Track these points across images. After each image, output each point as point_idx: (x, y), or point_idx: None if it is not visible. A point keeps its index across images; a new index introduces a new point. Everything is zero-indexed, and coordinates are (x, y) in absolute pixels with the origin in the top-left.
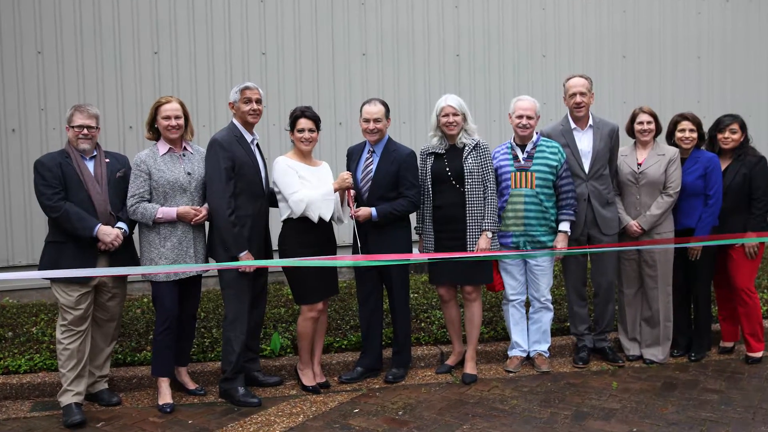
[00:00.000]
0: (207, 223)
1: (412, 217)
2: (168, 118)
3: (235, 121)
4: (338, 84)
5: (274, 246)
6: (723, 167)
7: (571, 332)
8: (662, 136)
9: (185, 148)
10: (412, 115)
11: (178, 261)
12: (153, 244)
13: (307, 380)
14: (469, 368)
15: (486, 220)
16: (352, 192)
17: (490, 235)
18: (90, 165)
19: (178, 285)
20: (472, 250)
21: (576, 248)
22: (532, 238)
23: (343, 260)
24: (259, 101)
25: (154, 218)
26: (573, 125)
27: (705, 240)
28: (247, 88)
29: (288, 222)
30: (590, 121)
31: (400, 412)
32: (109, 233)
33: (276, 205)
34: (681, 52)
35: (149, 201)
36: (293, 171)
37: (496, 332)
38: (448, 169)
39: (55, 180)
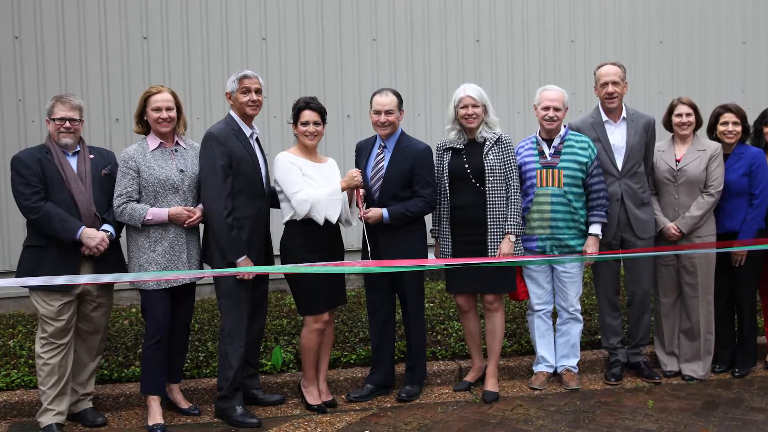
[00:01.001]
0: (201, 226)
1: (428, 218)
2: (158, 109)
3: (233, 113)
4: (346, 72)
5: (276, 251)
6: None
7: (603, 346)
8: (703, 130)
9: (177, 143)
10: (428, 106)
11: (170, 267)
12: (142, 249)
13: (312, 399)
14: (491, 385)
15: (509, 222)
16: (362, 191)
17: (513, 238)
18: (72, 161)
19: (169, 294)
20: (494, 255)
21: (608, 253)
22: (559, 242)
23: (352, 266)
24: (258, 91)
25: (144, 220)
26: (605, 118)
27: (750, 244)
28: (245, 76)
29: (291, 224)
30: (623, 113)
31: None
32: (94, 236)
33: (277, 206)
34: (724, 36)
35: (138, 201)
36: (296, 168)
37: (520, 346)
38: (467, 165)
39: (34, 178)
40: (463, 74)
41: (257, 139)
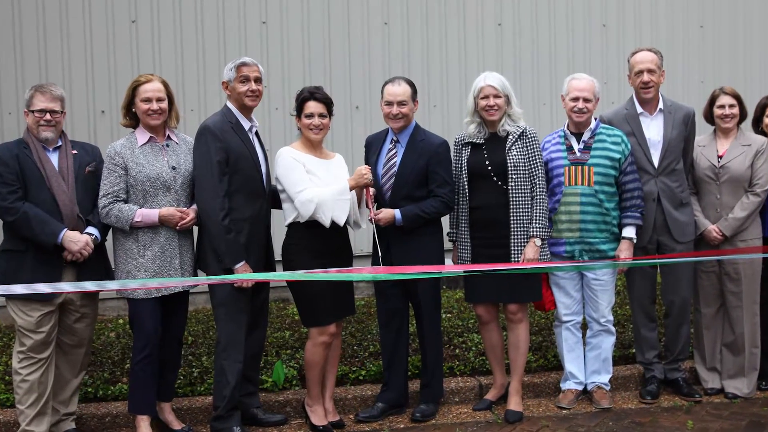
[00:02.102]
0: (196, 228)
1: (445, 220)
2: (148, 100)
3: (230, 105)
4: (354, 60)
5: (277, 256)
6: None
7: (638, 360)
8: (748, 123)
9: (169, 138)
10: (444, 97)
11: (161, 274)
12: (130, 254)
13: (317, 419)
14: (514, 404)
15: (534, 225)
16: (372, 190)
17: (538, 242)
18: (53, 157)
19: (160, 303)
20: (517, 261)
21: (643, 259)
22: (589, 247)
23: (361, 273)
24: (258, 80)
25: (132, 222)
26: (639, 109)
27: None
28: (244, 64)
29: (294, 226)
30: (660, 105)
31: None
32: (77, 240)
33: (279, 207)
34: None
35: (125, 201)
36: (300, 165)
37: (547, 360)
38: (488, 162)
39: (12, 176)
40: (484, 62)
41: (257, 133)
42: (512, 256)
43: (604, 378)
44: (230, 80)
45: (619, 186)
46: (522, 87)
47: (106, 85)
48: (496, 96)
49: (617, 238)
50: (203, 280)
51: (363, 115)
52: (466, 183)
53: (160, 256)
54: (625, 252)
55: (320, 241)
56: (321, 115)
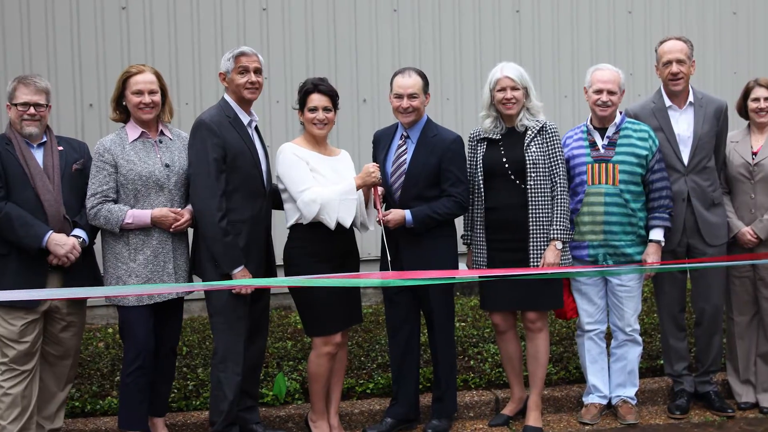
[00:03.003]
0: (191, 231)
1: (459, 222)
2: (140, 93)
3: (228, 98)
4: (362, 49)
5: (278, 260)
6: None
7: (666, 372)
8: None
9: (162, 133)
10: (458, 89)
11: (153, 279)
12: (120, 258)
13: None
14: (533, 419)
15: (554, 227)
16: (380, 189)
17: (559, 245)
18: (38, 154)
19: (153, 311)
20: (537, 266)
21: (672, 263)
22: (614, 250)
23: (369, 278)
24: (258, 71)
25: (122, 224)
26: (668, 102)
27: None
28: (243, 54)
29: (296, 228)
30: (690, 98)
31: None
32: (63, 243)
33: (281, 207)
34: None
35: (115, 201)
36: (303, 162)
37: (568, 372)
38: (505, 159)
39: None
40: (501, 51)
41: (257, 128)
42: (531, 260)
43: (630, 391)
44: (228, 71)
45: (646, 185)
46: (542, 78)
47: (94, 77)
48: (514, 88)
49: (644, 241)
50: (199, 286)
51: (371, 109)
52: (481, 182)
53: (152, 260)
54: (652, 256)
55: (325, 244)
56: (325, 109)
